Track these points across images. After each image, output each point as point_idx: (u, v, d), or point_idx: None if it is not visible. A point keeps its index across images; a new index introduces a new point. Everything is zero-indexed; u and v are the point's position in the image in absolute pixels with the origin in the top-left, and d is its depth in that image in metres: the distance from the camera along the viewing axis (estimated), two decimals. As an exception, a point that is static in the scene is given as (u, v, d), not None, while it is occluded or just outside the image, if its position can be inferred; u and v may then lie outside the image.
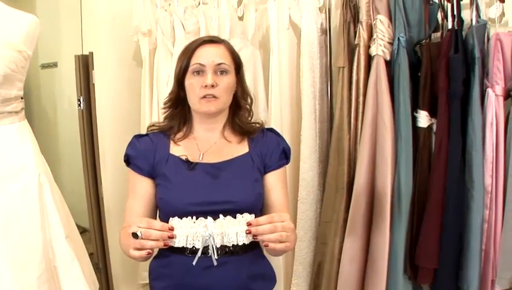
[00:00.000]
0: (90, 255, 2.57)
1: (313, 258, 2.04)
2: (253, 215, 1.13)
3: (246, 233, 1.08)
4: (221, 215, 1.12)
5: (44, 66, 3.28)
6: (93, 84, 2.43)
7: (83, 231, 2.92)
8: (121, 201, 1.31)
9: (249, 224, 1.07)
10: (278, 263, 2.01)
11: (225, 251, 1.18)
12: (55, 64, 3.19)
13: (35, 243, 1.50)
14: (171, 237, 1.08)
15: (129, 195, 1.31)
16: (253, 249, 1.27)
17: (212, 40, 1.32)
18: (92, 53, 2.42)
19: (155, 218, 1.32)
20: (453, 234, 1.67)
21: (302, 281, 2.05)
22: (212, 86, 1.25)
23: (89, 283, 1.66)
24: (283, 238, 1.06)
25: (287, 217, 1.09)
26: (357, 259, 1.83)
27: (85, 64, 2.44)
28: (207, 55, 1.27)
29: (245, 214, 1.13)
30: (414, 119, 1.76)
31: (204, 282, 1.20)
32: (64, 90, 3.09)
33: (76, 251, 1.61)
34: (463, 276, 1.67)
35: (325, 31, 2.05)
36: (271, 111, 2.05)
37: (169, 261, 1.25)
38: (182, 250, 1.18)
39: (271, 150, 1.34)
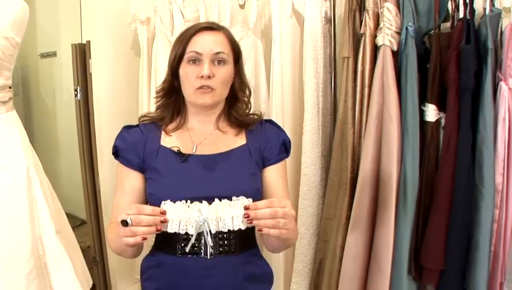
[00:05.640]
0: (87, 248, 2.55)
1: (313, 255, 1.98)
2: (250, 199, 1.05)
3: (244, 217, 1.00)
4: (216, 199, 1.06)
5: (43, 56, 3.25)
6: (91, 73, 2.38)
7: (81, 223, 2.90)
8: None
9: (246, 208, 0.99)
10: (277, 261, 1.97)
11: (220, 251, 1.12)
12: (54, 54, 3.15)
13: (24, 240, 1.44)
14: (164, 222, 1.01)
15: (117, 189, 1.24)
16: (250, 248, 1.21)
17: (211, 27, 1.23)
18: (89, 42, 2.37)
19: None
20: (460, 234, 1.61)
21: (302, 279, 2.00)
22: (209, 76, 1.17)
23: (82, 280, 1.61)
24: (280, 225, 0.98)
25: (288, 203, 1.01)
26: (360, 257, 1.78)
27: (82, 53, 2.39)
28: (204, 43, 1.19)
29: (242, 197, 1.06)
30: (421, 113, 1.69)
31: (197, 283, 1.14)
32: (63, 80, 3.06)
33: (68, 247, 1.56)
34: (470, 278, 1.60)
35: (329, 20, 1.98)
36: (272, 103, 1.99)
37: (160, 262, 1.19)
38: (173, 250, 1.12)
39: (270, 143, 1.26)
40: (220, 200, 1.06)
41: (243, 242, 1.15)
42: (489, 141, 1.55)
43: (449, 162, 1.61)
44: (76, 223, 2.90)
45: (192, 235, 1.04)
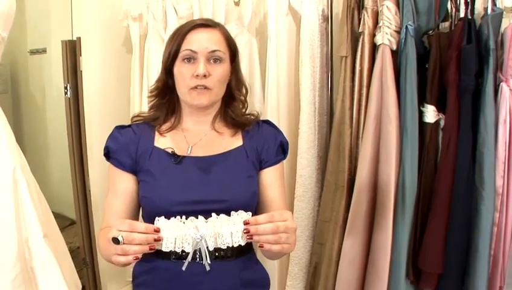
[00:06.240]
0: (77, 249, 2.50)
1: (309, 258, 1.95)
2: (249, 213, 1.01)
3: (244, 233, 0.95)
4: (213, 214, 1.00)
5: (33, 52, 3.19)
6: (81, 70, 2.33)
7: (71, 223, 2.85)
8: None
9: (246, 223, 0.95)
10: (272, 264, 1.93)
11: (216, 256, 1.07)
12: (44, 50, 3.10)
13: (9, 244, 1.38)
14: (158, 240, 0.95)
15: (109, 192, 1.19)
16: (246, 253, 1.16)
17: (206, 24, 1.19)
18: (79, 38, 2.31)
19: (137, 219, 1.21)
20: (460, 237, 1.58)
21: (297, 283, 1.96)
22: (204, 75, 1.13)
23: (70, 285, 1.55)
24: (282, 240, 0.94)
25: (289, 215, 0.97)
26: (357, 261, 1.74)
27: (72, 50, 2.34)
28: (199, 41, 1.15)
29: (240, 211, 1.01)
30: (420, 114, 1.66)
31: (192, 289, 1.09)
32: (53, 77, 3.00)
33: (56, 251, 1.50)
34: (469, 282, 1.58)
35: (326, 18, 1.94)
36: (267, 102, 1.95)
37: (153, 267, 1.14)
38: (167, 255, 1.07)
39: (267, 144, 1.22)
40: (218, 214, 1.00)
41: (239, 247, 1.11)
42: (490, 143, 1.52)
43: (449, 164, 1.58)
44: (66, 223, 2.86)
45: (188, 253, 0.98)
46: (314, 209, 1.94)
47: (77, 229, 2.53)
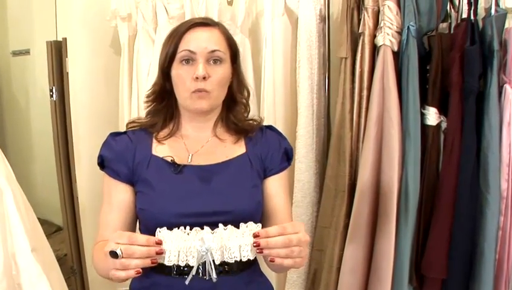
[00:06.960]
0: (64, 256, 2.41)
1: (308, 265, 1.89)
2: (259, 224, 0.95)
3: (254, 246, 0.89)
4: (220, 225, 0.94)
5: (15, 54, 3.12)
6: (67, 72, 2.27)
7: (57, 229, 2.76)
8: (97, 200, 1.14)
9: (256, 235, 0.89)
10: (270, 271, 1.86)
11: (219, 271, 1.00)
12: (27, 52, 3.03)
13: (-5, 259, 1.30)
14: (160, 253, 0.89)
15: (104, 204, 1.12)
16: (251, 265, 1.10)
17: (205, 23, 1.12)
18: (65, 39, 2.25)
19: (134, 231, 1.13)
20: (464, 242, 1.55)
21: (296, 290, 1.91)
22: (204, 78, 1.06)
23: (60, 300, 1.47)
24: (294, 254, 0.88)
25: (302, 227, 0.91)
26: (359, 268, 1.70)
27: (58, 51, 2.28)
28: (198, 41, 1.08)
29: (250, 223, 0.95)
30: (421, 117, 1.62)
31: None
32: (38, 80, 2.95)
33: (45, 265, 1.42)
34: (474, 287, 1.55)
35: (324, 18, 1.89)
36: (264, 106, 1.90)
37: (153, 283, 1.07)
38: (168, 270, 1.00)
39: (272, 151, 1.16)
40: (225, 225, 0.94)
41: (246, 260, 1.05)
42: (494, 146, 1.49)
43: (452, 167, 1.55)
44: (52, 229, 2.78)
45: (192, 267, 0.91)
46: (312, 214, 1.90)
47: (64, 236, 2.45)
